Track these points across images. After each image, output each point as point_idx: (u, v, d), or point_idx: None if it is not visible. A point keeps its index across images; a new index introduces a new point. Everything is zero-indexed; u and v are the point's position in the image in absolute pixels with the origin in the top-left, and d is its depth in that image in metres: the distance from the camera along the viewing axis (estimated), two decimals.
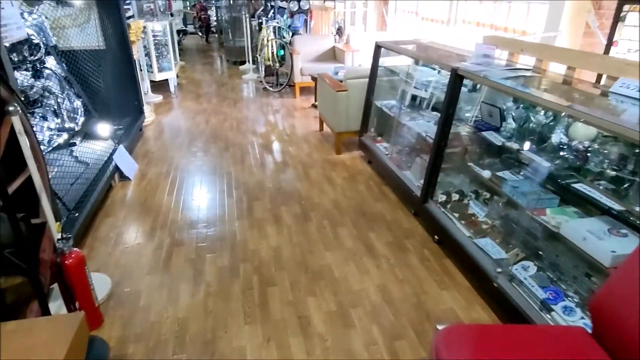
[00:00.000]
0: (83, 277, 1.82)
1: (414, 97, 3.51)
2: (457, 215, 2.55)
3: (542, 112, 2.23)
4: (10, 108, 1.68)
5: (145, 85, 6.23)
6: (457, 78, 2.39)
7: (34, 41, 3.28)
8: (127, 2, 7.20)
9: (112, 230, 2.79)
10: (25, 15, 3.35)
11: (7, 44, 2.14)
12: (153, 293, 2.21)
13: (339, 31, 8.38)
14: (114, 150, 3.53)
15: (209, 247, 2.60)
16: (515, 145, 2.20)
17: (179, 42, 10.18)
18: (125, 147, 3.88)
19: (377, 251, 2.57)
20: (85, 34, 4.31)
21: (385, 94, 3.80)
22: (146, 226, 2.84)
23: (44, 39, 3.48)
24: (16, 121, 1.71)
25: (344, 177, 3.59)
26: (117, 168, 3.42)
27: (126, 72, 4.56)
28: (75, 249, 1.85)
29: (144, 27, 6.02)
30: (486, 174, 2.33)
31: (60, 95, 3.57)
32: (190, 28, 13.34)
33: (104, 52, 4.41)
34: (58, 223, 1.80)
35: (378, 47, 3.60)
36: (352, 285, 2.28)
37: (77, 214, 2.65)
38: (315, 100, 5.80)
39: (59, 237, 1.78)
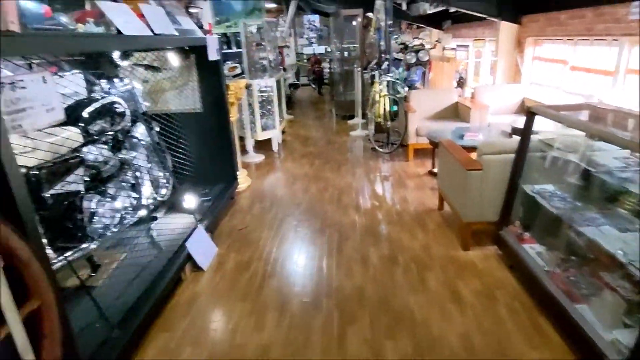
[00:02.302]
0: None
1: (585, 181, 2.41)
2: None
3: None
4: None
5: (248, 145, 5.93)
6: None
7: (117, 110, 2.95)
8: (238, 60, 7.20)
9: (163, 356, 2.14)
10: (116, 81, 3.08)
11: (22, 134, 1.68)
12: None
13: (460, 83, 7.43)
14: (190, 234, 3.00)
15: None
16: None
17: (290, 96, 10.12)
18: (209, 223, 3.37)
19: None
20: (183, 97, 4.05)
21: (538, 175, 2.74)
22: (203, 356, 2.14)
23: (132, 105, 3.17)
24: None
25: (476, 291, 2.56)
26: (190, 256, 2.87)
27: (222, 135, 4.18)
28: None
29: (249, 85, 5.78)
30: None
31: (143, 166, 3.20)
32: (304, 80, 13.47)
33: (201, 115, 4.10)
34: None
35: (531, 115, 2.60)
36: None
37: (121, 332, 2.06)
38: (433, 167, 4.86)
39: None
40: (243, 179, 4.67)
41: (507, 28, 6.03)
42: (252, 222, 3.72)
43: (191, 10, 9.35)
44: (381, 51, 6.84)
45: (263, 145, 6.22)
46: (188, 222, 3.29)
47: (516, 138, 3.10)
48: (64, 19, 1.90)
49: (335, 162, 5.48)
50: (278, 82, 7.24)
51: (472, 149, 3.72)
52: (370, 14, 8.08)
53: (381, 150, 5.81)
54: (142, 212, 3.04)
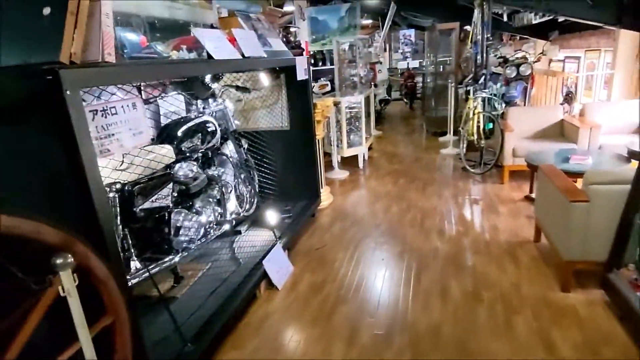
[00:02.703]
0: None
1: None
2: None
3: None
4: (58, 261, 1.19)
5: (334, 160, 5.96)
6: None
7: (209, 128, 3.12)
8: (329, 77, 7.31)
9: None
10: (210, 101, 3.27)
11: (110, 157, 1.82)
12: None
13: (568, 98, 6.72)
14: (268, 251, 3.05)
15: None
16: None
17: (380, 112, 10.03)
18: (288, 240, 3.41)
19: None
20: (273, 115, 4.19)
21: None
22: None
23: (224, 124, 3.34)
24: (65, 278, 1.21)
25: (576, 344, 2.22)
26: (266, 274, 2.91)
27: (307, 153, 4.23)
28: None
29: (338, 103, 5.82)
30: None
31: (230, 182, 3.34)
32: (396, 95, 13.30)
33: (288, 132, 4.21)
34: None
35: None
36: None
37: (193, 348, 2.13)
38: (531, 192, 4.42)
39: None
40: (326, 196, 4.68)
41: (627, 37, 5.33)
42: (330, 241, 3.69)
43: (292, 29, 9.75)
44: (477, 65, 6.48)
45: (349, 162, 6.20)
46: (268, 238, 3.36)
47: (634, 164, 2.69)
48: (159, 47, 2.05)
49: (421, 181, 5.25)
50: (367, 98, 7.20)
51: (577, 174, 3.32)
52: (468, 27, 7.72)
53: (472, 170, 5.45)
54: (226, 227, 3.16)
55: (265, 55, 3.14)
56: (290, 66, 3.83)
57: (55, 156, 1.38)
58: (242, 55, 2.83)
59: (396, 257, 3.32)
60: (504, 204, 4.31)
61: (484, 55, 5.90)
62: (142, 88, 3.76)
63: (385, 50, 15.45)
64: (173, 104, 3.44)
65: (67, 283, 1.20)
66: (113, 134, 1.54)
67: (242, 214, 3.48)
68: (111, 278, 1.41)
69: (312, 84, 6.67)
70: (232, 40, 2.90)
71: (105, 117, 1.51)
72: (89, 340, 1.27)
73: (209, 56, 2.41)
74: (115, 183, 2.23)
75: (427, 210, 4.27)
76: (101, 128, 1.49)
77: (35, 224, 1.15)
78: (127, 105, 1.62)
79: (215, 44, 2.52)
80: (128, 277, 2.23)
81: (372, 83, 8.90)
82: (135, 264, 2.33)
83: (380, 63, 9.99)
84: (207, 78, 2.89)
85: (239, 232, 3.57)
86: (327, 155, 6.17)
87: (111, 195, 2.20)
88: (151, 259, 2.60)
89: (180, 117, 3.17)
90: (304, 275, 3.12)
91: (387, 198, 4.72)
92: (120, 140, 1.58)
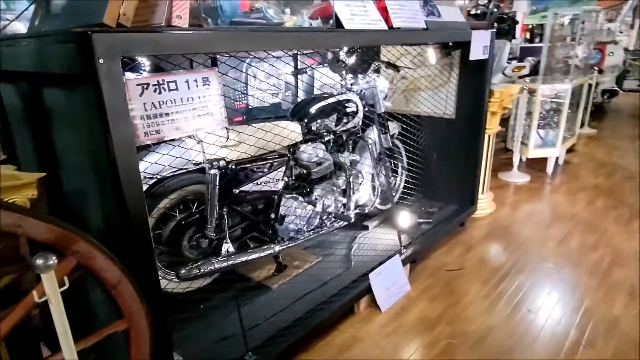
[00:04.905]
0: None
1: None
2: None
3: None
4: (38, 261, 1.03)
5: (515, 160, 4.93)
6: None
7: (348, 109, 2.76)
8: (538, 57, 6.05)
9: None
10: (360, 77, 2.90)
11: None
12: None
13: None
14: (382, 262, 2.59)
15: None
16: None
17: (600, 105, 8.00)
18: (416, 249, 2.89)
19: None
20: (437, 99, 3.56)
21: None
22: None
23: (370, 105, 2.92)
24: (47, 282, 1.05)
25: None
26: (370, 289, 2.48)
27: (470, 150, 3.51)
28: None
29: (534, 91, 4.70)
30: None
31: (364, 172, 2.96)
32: (633, 84, 10.46)
33: (451, 122, 3.54)
34: None
35: None
36: None
37: (256, 357, 1.91)
38: None
39: None
40: (487, 204, 3.87)
41: None
42: (470, 264, 2.99)
43: None
44: None
45: (535, 164, 5.06)
46: (393, 242, 2.90)
47: None
48: (270, 11, 1.74)
49: (629, 209, 3.87)
50: (580, 87, 5.69)
51: None
52: None
53: None
54: (344, 222, 2.82)
55: (424, 27, 2.54)
56: (468, 42, 3.11)
57: (86, 135, 1.23)
58: (389, 26, 2.31)
59: (554, 314, 2.45)
60: None
61: None
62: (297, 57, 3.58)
63: (632, 27, 12.10)
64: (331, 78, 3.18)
65: (49, 288, 1.04)
66: (167, 114, 1.31)
67: (371, 208, 3.08)
68: (126, 283, 1.23)
69: (506, 65, 5.61)
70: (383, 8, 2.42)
71: (160, 92, 1.28)
72: (74, 355, 1.11)
73: (339, 25, 2.00)
74: (218, 160, 2.11)
75: (624, 254, 3.09)
76: (151, 105, 1.27)
77: (17, 216, 1.00)
78: (195, 80, 1.37)
79: (353, 11, 2.09)
80: (214, 260, 2.13)
81: (596, 68, 7.05)
82: (228, 246, 2.21)
83: (615, 43, 7.80)
84: (342, 52, 2.49)
85: (366, 228, 3.21)
86: (507, 151, 5.16)
87: (212, 172, 2.09)
88: (254, 239, 2.46)
89: (322, 92, 2.90)
90: (419, 301, 2.57)
91: (571, 223, 3.63)
92: (176, 122, 1.34)
